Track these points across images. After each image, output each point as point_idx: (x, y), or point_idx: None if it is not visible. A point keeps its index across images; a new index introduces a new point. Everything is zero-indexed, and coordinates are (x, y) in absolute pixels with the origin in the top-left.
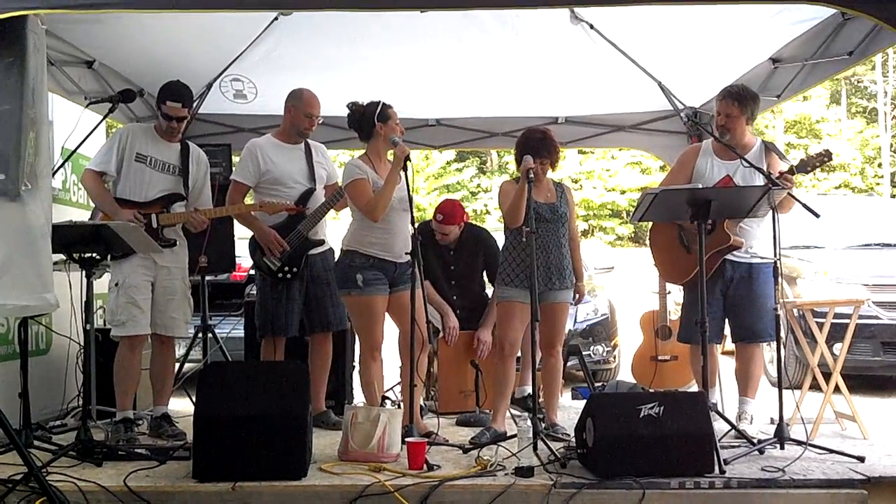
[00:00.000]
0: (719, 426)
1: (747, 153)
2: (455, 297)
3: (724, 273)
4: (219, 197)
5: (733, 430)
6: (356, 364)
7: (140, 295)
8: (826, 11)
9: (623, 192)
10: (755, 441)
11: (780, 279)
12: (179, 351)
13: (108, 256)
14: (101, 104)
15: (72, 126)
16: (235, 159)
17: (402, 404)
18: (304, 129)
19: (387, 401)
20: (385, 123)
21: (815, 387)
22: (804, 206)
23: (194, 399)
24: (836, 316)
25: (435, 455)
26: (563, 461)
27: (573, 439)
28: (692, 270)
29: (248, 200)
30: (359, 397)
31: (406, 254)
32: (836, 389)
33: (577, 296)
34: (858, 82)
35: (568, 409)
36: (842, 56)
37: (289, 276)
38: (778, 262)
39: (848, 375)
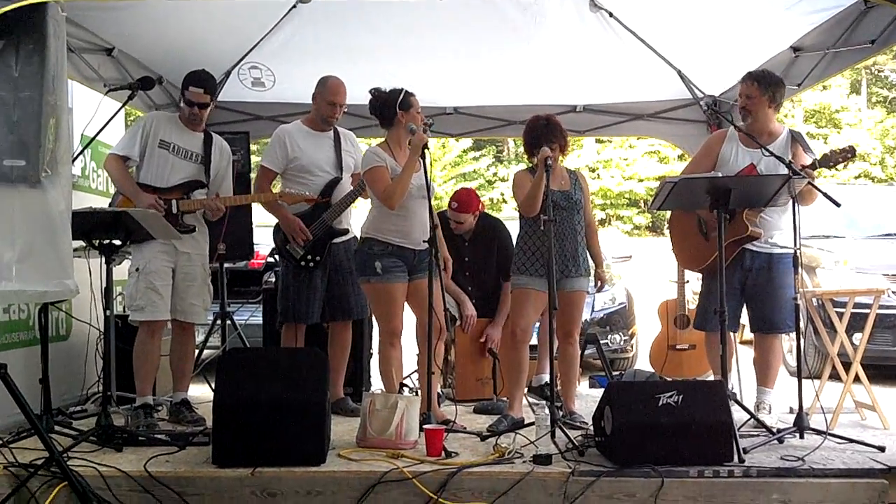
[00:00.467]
0: (738, 415)
1: (773, 141)
2: (470, 287)
3: (743, 262)
4: (237, 184)
5: (752, 420)
6: (374, 351)
7: (160, 280)
8: (848, 0)
9: (641, 181)
10: (774, 430)
11: (800, 269)
12: (199, 338)
13: (129, 241)
14: (121, 91)
15: (91, 113)
16: (253, 147)
17: (419, 391)
18: (327, 116)
19: (405, 388)
20: (406, 111)
21: (834, 376)
22: (825, 195)
23: (214, 385)
24: (856, 305)
25: (452, 442)
26: (581, 449)
27: (591, 427)
28: (709, 258)
29: (276, 187)
30: (377, 384)
31: (424, 241)
32: (856, 379)
33: (599, 282)
34: (879, 71)
35: (585, 398)
36: (864, 45)
37: (311, 264)
38: (798, 252)
39: (868, 365)
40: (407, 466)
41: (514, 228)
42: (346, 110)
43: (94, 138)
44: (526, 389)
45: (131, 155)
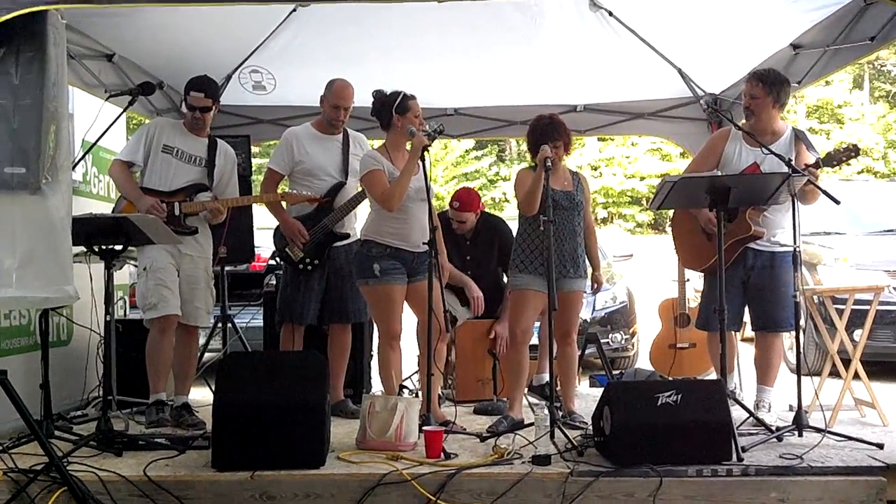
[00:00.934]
0: (737, 414)
1: (777, 140)
2: None
3: (746, 261)
4: (239, 187)
5: (751, 418)
6: (374, 353)
7: (168, 276)
8: None
9: (643, 179)
10: (773, 428)
11: (800, 267)
12: (200, 341)
13: (128, 247)
14: (121, 97)
15: (92, 119)
16: (255, 150)
17: (419, 393)
18: (332, 119)
19: (405, 390)
20: (403, 115)
21: (834, 374)
22: (824, 192)
23: (214, 388)
24: (857, 302)
25: (452, 443)
26: (580, 449)
27: (590, 427)
28: (712, 257)
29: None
30: (377, 386)
31: (424, 243)
32: (856, 376)
33: (595, 285)
34: (882, 66)
35: (586, 397)
36: (863, 41)
37: (309, 267)
38: (797, 249)
39: (867, 362)
40: (406, 468)
41: (515, 228)
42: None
43: (94, 144)
44: (526, 389)
45: (135, 160)
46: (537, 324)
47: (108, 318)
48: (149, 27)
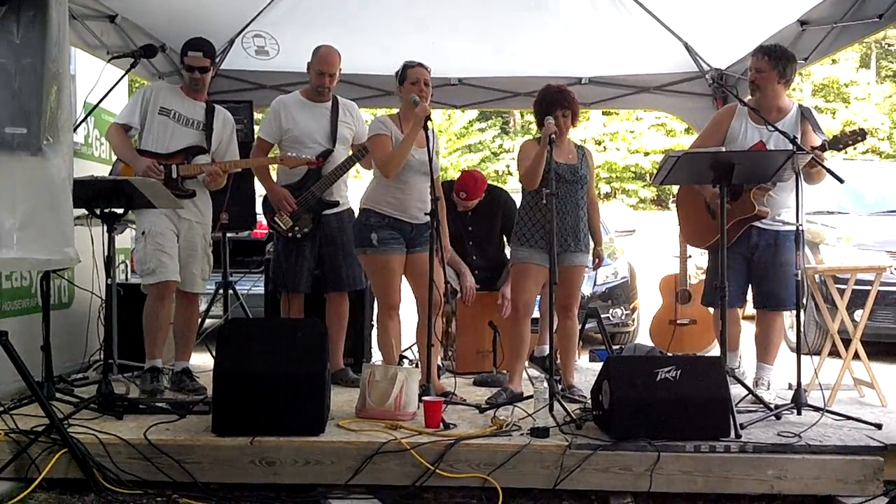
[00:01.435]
0: (736, 391)
1: (783, 117)
2: (474, 258)
3: (750, 238)
4: (240, 153)
5: (750, 395)
6: (374, 323)
7: (167, 242)
8: None
9: (647, 154)
10: (772, 406)
11: (801, 245)
12: (201, 307)
13: (130, 210)
14: (124, 59)
15: (94, 81)
16: (257, 116)
17: (419, 364)
18: (318, 86)
19: (404, 360)
20: (402, 84)
21: (834, 353)
22: (828, 170)
23: (214, 354)
24: (858, 282)
25: (451, 414)
26: (578, 423)
27: (589, 401)
28: (716, 235)
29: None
30: (377, 356)
31: (425, 214)
32: (856, 356)
33: (597, 260)
34: (889, 45)
35: (585, 372)
36: (871, 19)
37: (299, 235)
38: (799, 227)
39: (868, 342)
40: (405, 438)
41: (519, 199)
42: (341, 79)
43: (96, 106)
44: (527, 360)
45: (132, 123)
46: (538, 297)
47: (109, 282)
48: None
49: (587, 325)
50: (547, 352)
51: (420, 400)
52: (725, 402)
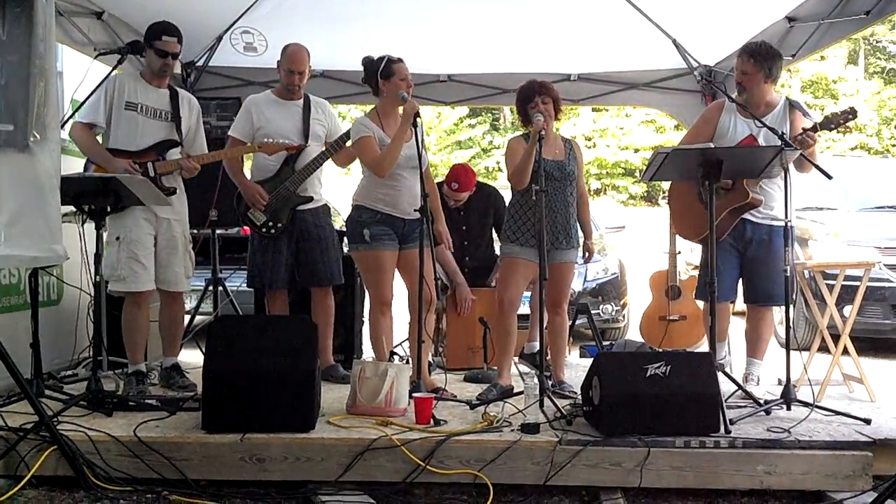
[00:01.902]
0: (726, 386)
1: (770, 112)
2: (466, 257)
3: (744, 233)
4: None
5: (740, 391)
6: (366, 319)
7: (142, 250)
8: None
9: (637, 151)
10: (761, 402)
11: (791, 241)
12: (190, 304)
13: (118, 208)
14: (111, 55)
15: (81, 77)
16: None
17: (410, 360)
18: (289, 84)
19: (395, 356)
20: (388, 80)
21: (823, 349)
22: (817, 167)
23: (204, 351)
24: (847, 278)
25: (442, 410)
26: (568, 418)
27: (580, 397)
28: (709, 227)
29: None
30: (368, 352)
31: (415, 210)
32: (845, 351)
33: (587, 254)
34: (877, 42)
35: (576, 368)
36: (859, 15)
37: (272, 231)
38: (788, 223)
39: (857, 338)
40: (396, 434)
41: (509, 196)
42: (327, 75)
43: (83, 103)
44: (517, 357)
45: (97, 121)
46: (528, 293)
47: (97, 279)
48: None
49: (577, 322)
50: (537, 348)
51: (411, 396)
52: (715, 397)
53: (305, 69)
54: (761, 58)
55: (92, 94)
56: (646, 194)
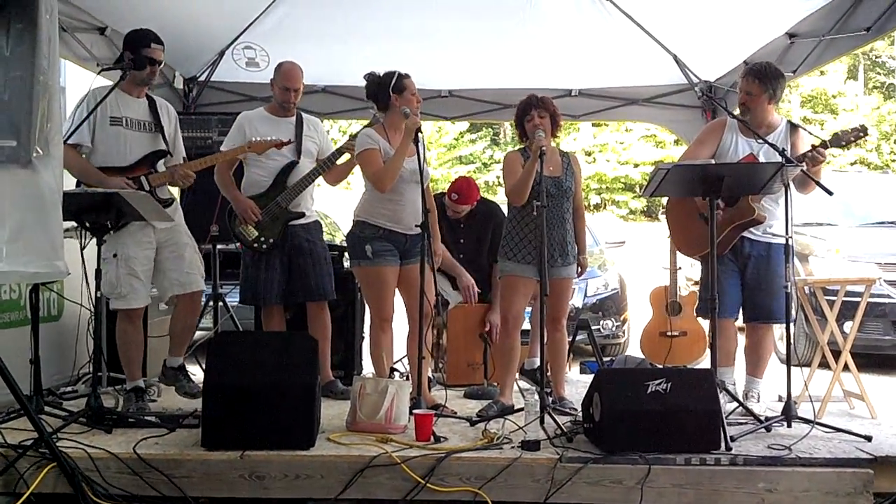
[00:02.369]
0: (726, 403)
1: (771, 132)
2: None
3: (743, 249)
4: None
5: (741, 408)
6: (366, 335)
7: (141, 266)
8: None
9: (637, 166)
10: (762, 419)
11: (791, 257)
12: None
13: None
14: (113, 71)
15: (83, 92)
16: None
17: (410, 376)
18: (283, 101)
19: (395, 372)
20: (400, 95)
21: (824, 365)
22: (817, 183)
23: (204, 367)
24: (848, 294)
25: (442, 427)
26: (569, 435)
27: (580, 414)
28: (709, 244)
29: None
30: (368, 368)
31: (416, 226)
32: (845, 368)
33: (580, 269)
34: (877, 57)
35: (576, 384)
36: (859, 32)
37: (264, 246)
38: (789, 240)
39: (857, 354)
40: (396, 451)
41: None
42: (330, 91)
43: (86, 118)
44: (517, 373)
45: (82, 142)
46: (528, 309)
47: (98, 295)
48: (142, 0)
49: (578, 337)
50: (537, 364)
51: (411, 413)
52: (716, 414)
53: (300, 86)
54: (767, 79)
55: (74, 114)
56: (646, 209)
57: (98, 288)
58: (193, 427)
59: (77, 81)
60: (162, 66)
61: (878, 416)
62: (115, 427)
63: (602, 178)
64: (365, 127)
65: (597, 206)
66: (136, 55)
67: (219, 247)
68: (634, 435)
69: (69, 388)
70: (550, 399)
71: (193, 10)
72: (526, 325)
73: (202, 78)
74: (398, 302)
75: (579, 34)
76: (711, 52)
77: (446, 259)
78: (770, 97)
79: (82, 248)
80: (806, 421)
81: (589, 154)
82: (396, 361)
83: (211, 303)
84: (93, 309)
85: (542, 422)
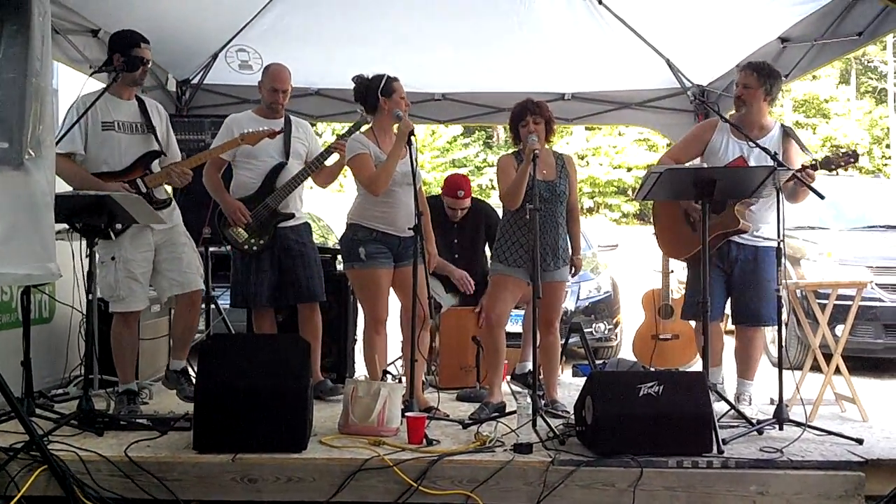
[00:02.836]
0: (718, 406)
1: (764, 135)
2: None
3: (729, 253)
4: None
5: (732, 410)
6: (359, 338)
7: (139, 269)
8: None
9: (629, 170)
10: (754, 422)
11: (783, 261)
12: None
13: (113, 226)
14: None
15: (75, 95)
16: None
17: (403, 379)
18: (271, 103)
19: (388, 375)
20: (389, 98)
21: (815, 368)
22: (809, 187)
23: (196, 370)
24: (839, 297)
25: (434, 430)
26: (561, 438)
27: (572, 417)
28: (694, 247)
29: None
30: (360, 371)
31: (409, 228)
32: (837, 371)
33: (574, 269)
34: (868, 62)
35: (569, 387)
36: (851, 36)
37: (255, 248)
38: (781, 244)
39: (849, 357)
40: (388, 454)
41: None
42: (322, 93)
43: (78, 120)
44: (509, 377)
45: (75, 150)
46: (521, 312)
47: (89, 297)
48: (134, 3)
49: (570, 340)
50: (528, 369)
51: (403, 415)
52: (708, 417)
53: (288, 88)
54: (764, 74)
55: (64, 121)
56: (638, 213)
57: (89, 290)
58: (185, 430)
59: (69, 84)
60: (150, 65)
61: (869, 420)
62: (107, 430)
63: (595, 182)
64: (350, 127)
65: (590, 210)
66: (126, 56)
67: (211, 249)
68: (626, 438)
69: (60, 391)
70: (543, 402)
71: (186, 12)
72: (518, 329)
73: (195, 80)
74: (393, 304)
75: (572, 38)
76: (704, 57)
77: (437, 260)
78: (766, 93)
79: (91, 252)
80: (798, 424)
81: (582, 157)
82: (389, 364)
83: (203, 305)
84: (84, 311)
85: (534, 425)
